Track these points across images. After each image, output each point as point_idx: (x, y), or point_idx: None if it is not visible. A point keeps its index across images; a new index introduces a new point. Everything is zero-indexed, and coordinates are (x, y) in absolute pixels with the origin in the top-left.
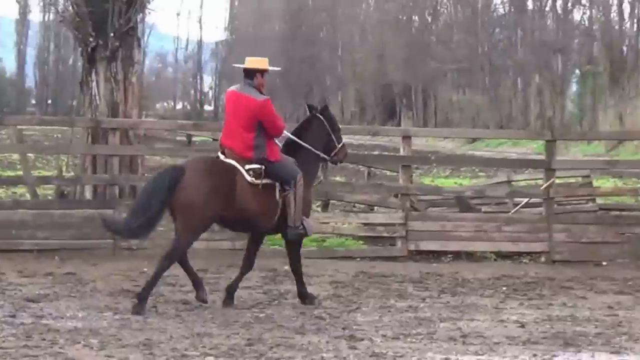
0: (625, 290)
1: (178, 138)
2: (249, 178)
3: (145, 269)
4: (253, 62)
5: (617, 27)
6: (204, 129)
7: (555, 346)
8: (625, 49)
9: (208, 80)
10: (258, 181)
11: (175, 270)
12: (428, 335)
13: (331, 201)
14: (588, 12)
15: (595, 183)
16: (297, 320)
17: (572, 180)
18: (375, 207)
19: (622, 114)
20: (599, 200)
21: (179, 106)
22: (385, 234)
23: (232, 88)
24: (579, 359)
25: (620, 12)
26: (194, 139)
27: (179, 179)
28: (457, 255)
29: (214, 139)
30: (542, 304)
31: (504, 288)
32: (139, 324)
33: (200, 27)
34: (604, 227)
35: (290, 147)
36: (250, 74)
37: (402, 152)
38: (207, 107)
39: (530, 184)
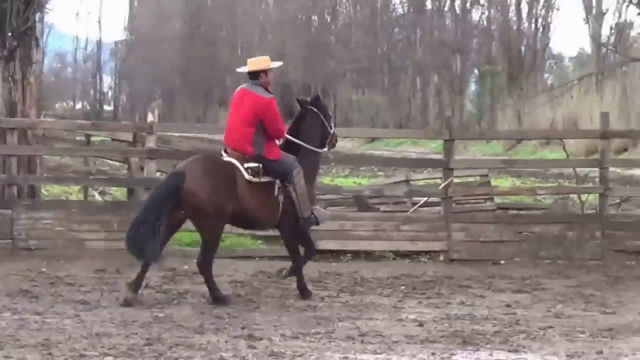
0: (523, 288)
1: (77, 138)
2: (247, 176)
3: (44, 269)
4: (254, 63)
5: (515, 27)
6: (103, 128)
7: (453, 345)
8: (523, 48)
9: (107, 80)
10: (256, 179)
11: (74, 269)
12: (327, 334)
13: None
14: (486, 12)
15: (493, 182)
16: (196, 319)
17: (471, 179)
18: None
19: (521, 113)
20: (497, 200)
21: (79, 106)
22: None
23: (241, 86)
24: (477, 357)
25: (518, 12)
26: (92, 138)
27: (181, 184)
28: (356, 255)
29: (112, 139)
30: (441, 302)
31: (403, 287)
32: (37, 324)
33: (100, 27)
34: (502, 226)
35: (289, 145)
36: (254, 75)
37: None
38: (106, 107)
39: (429, 183)
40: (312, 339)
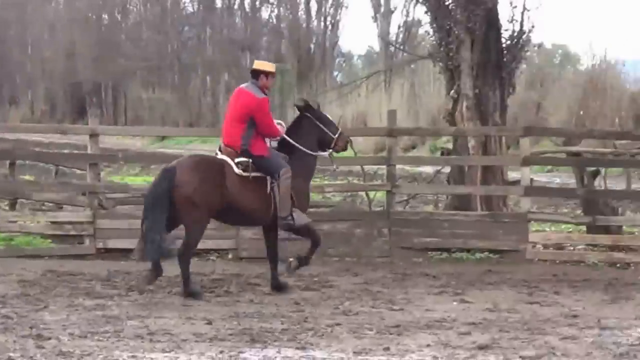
0: (311, 286)
1: None
2: (237, 171)
3: None
4: (259, 64)
5: (304, 25)
6: None
7: (241, 342)
8: (312, 46)
9: None
10: (246, 174)
11: None
12: (115, 333)
13: (19, 200)
14: (276, 11)
15: None
16: None
17: None
18: (64, 206)
19: None
20: None
21: None
22: (73, 232)
23: (241, 86)
24: (265, 354)
25: (308, 10)
26: None
27: (172, 178)
28: None
29: None
30: (230, 300)
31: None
32: None
33: None
34: None
35: (285, 146)
36: (256, 74)
37: (89, 151)
38: None
39: None
40: (101, 338)
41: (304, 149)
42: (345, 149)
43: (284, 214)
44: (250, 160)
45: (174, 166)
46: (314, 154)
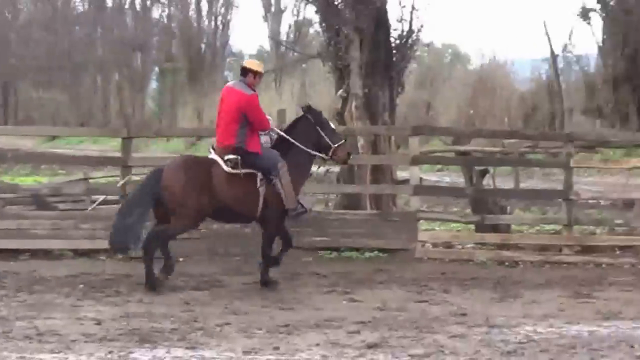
0: (201, 286)
1: None
2: (226, 168)
3: None
4: (249, 63)
5: (195, 24)
6: None
7: (131, 343)
8: (203, 46)
9: None
10: (236, 171)
11: None
12: (3, 334)
13: None
14: (167, 10)
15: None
16: None
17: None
18: None
19: (200, 110)
20: None
21: None
22: None
23: (228, 84)
24: (155, 354)
25: (199, 10)
26: None
27: (159, 180)
28: (35, 254)
29: None
30: (119, 300)
31: (81, 286)
32: None
33: None
34: None
35: (281, 144)
36: (244, 72)
37: None
38: None
39: (110, 181)
40: None
41: (297, 144)
42: (345, 162)
43: (292, 205)
44: (239, 157)
45: (161, 169)
46: (305, 149)
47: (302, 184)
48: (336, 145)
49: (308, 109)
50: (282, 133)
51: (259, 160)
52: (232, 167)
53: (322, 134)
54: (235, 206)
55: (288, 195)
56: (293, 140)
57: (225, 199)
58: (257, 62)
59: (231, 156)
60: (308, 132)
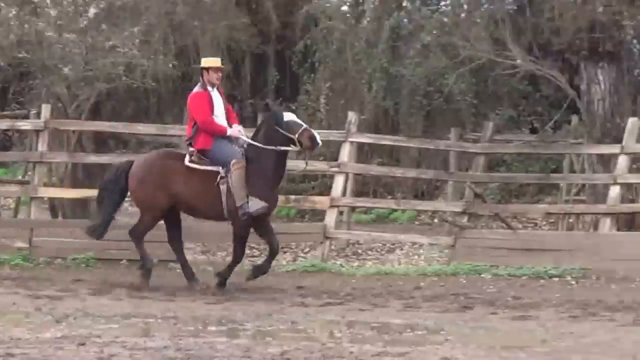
0: None
1: None
2: (187, 162)
3: None
4: (202, 61)
5: None
6: None
7: None
8: None
9: None
10: (195, 165)
11: None
12: None
13: None
14: None
15: None
16: None
17: None
18: None
19: None
20: None
21: None
22: None
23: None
24: None
25: None
26: None
27: (126, 171)
28: None
29: None
30: None
31: None
32: None
33: None
34: None
35: (251, 150)
36: (201, 72)
37: None
38: None
39: None
40: None
41: (255, 143)
42: (313, 147)
43: (239, 203)
44: (196, 151)
45: (133, 160)
46: (272, 148)
47: (271, 185)
48: (296, 135)
49: (266, 108)
50: (249, 140)
51: (212, 155)
52: (191, 162)
53: (280, 130)
54: (191, 201)
55: (237, 192)
56: (257, 144)
57: (182, 194)
58: (209, 59)
59: (192, 149)
60: (270, 132)
